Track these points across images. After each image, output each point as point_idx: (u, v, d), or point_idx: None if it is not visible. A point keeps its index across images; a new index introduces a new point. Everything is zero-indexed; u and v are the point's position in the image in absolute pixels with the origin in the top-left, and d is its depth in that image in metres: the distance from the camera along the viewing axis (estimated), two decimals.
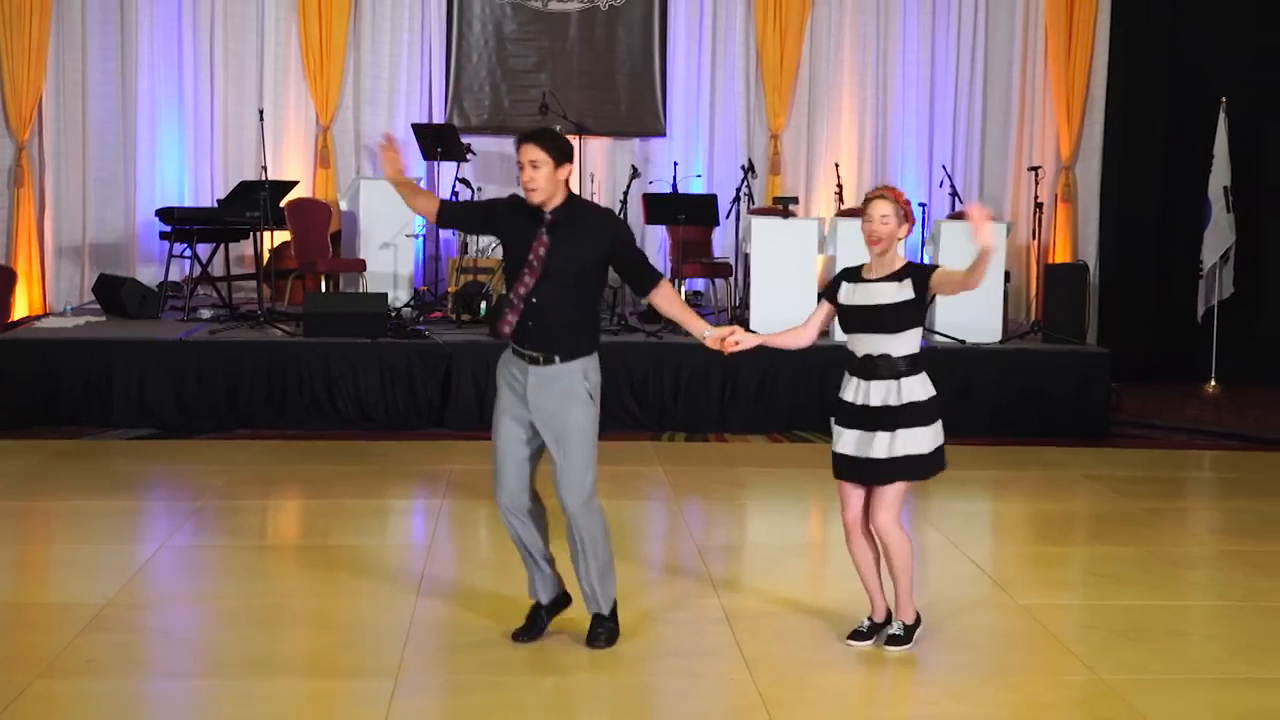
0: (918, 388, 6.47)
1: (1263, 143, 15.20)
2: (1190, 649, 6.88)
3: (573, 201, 6.47)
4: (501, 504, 6.60)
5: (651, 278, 6.59)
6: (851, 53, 15.66)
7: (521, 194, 6.42)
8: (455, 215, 7.11)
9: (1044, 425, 12.10)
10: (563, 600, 6.77)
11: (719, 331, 6.51)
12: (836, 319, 6.60)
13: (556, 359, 6.43)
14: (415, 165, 14.85)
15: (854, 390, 6.48)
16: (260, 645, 6.63)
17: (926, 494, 10.07)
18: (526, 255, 6.35)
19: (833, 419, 6.59)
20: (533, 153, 6.28)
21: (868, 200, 6.54)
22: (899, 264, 6.50)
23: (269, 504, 9.51)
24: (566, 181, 6.38)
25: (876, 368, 6.42)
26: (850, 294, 6.53)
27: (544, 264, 6.33)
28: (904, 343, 6.44)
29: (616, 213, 14.03)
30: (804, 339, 6.69)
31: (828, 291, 6.66)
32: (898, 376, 6.42)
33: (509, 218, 6.52)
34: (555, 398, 6.47)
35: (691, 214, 13.59)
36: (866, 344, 6.45)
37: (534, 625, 6.68)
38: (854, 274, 6.57)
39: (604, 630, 6.59)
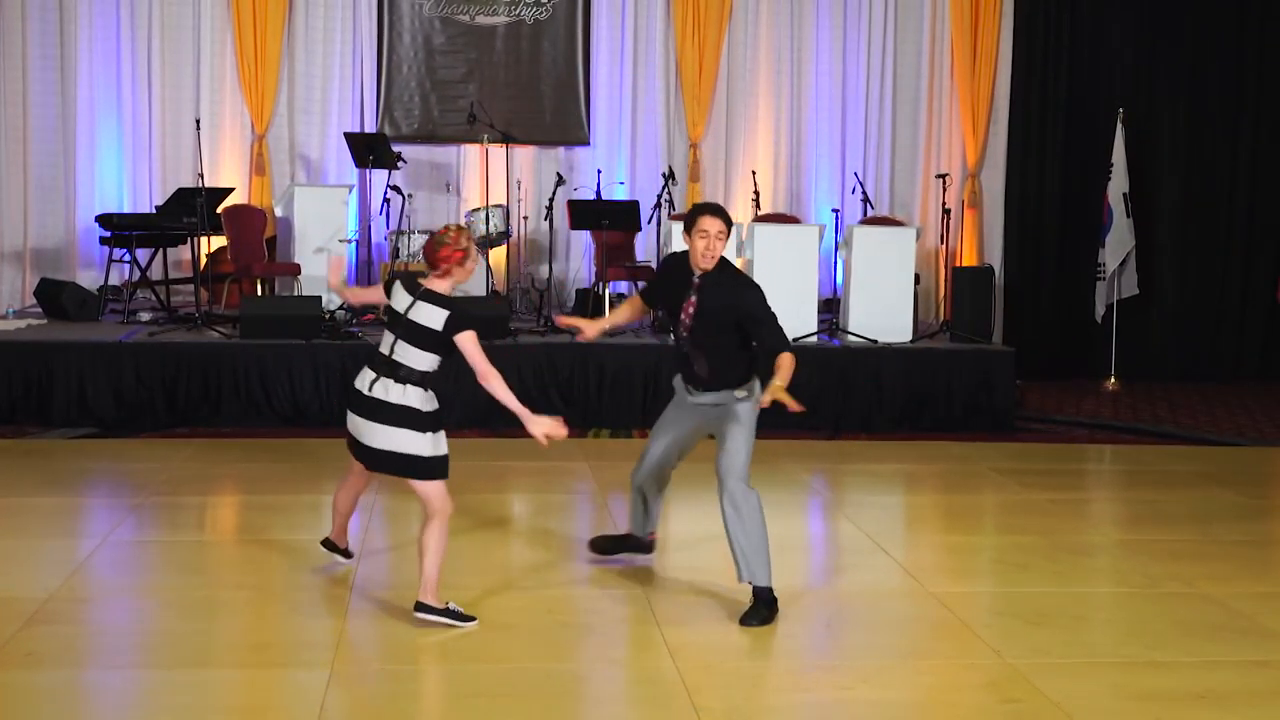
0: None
1: (1157, 152, 15.62)
2: (1092, 633, 7.04)
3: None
4: None
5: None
6: (767, 65, 15.84)
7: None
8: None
9: (952, 421, 12.36)
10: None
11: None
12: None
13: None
14: (348, 172, 15.06)
15: None
16: (199, 637, 6.66)
17: (841, 486, 10.32)
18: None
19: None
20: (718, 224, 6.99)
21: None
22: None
23: (208, 500, 9.48)
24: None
25: None
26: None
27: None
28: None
29: (541, 219, 14.30)
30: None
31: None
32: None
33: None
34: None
35: (615, 220, 13.71)
36: None
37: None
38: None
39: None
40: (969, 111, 15.85)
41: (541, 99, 15.73)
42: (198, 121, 13.63)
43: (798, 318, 12.61)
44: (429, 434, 6.83)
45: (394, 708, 5.88)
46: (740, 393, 7.13)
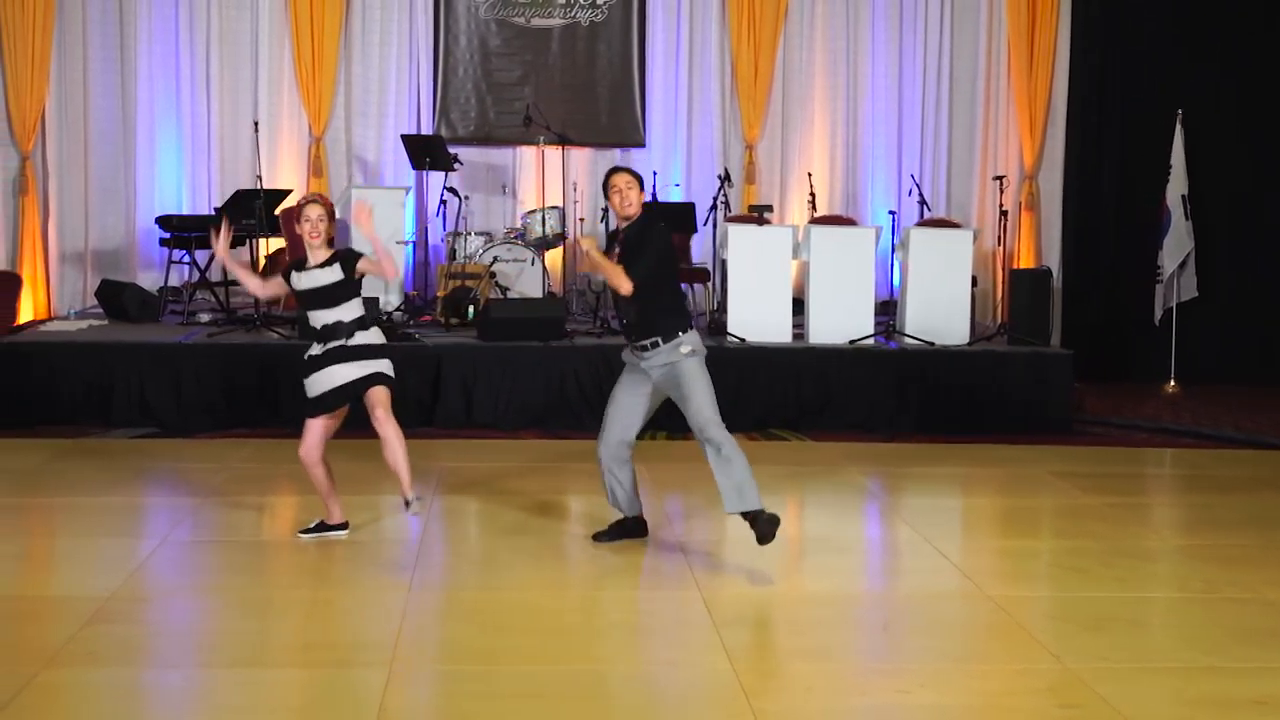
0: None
1: (1217, 153, 15.42)
2: (1151, 639, 7.02)
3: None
4: None
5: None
6: (823, 66, 15.82)
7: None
8: None
9: (1009, 424, 12.23)
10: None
11: None
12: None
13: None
14: (405, 174, 15.11)
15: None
16: (258, 636, 6.72)
17: (898, 490, 10.26)
18: None
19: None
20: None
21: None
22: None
23: (266, 500, 9.52)
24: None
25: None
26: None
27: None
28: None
29: (598, 221, 14.34)
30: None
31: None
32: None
33: None
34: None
35: (670, 222, 13.61)
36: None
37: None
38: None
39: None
40: (1026, 112, 15.78)
41: (597, 101, 15.76)
42: (256, 124, 13.79)
43: (854, 320, 12.65)
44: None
45: (452, 708, 5.90)
46: (685, 348, 7.74)
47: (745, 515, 7.67)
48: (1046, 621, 7.14)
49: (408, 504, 7.93)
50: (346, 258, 8.05)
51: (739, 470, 7.63)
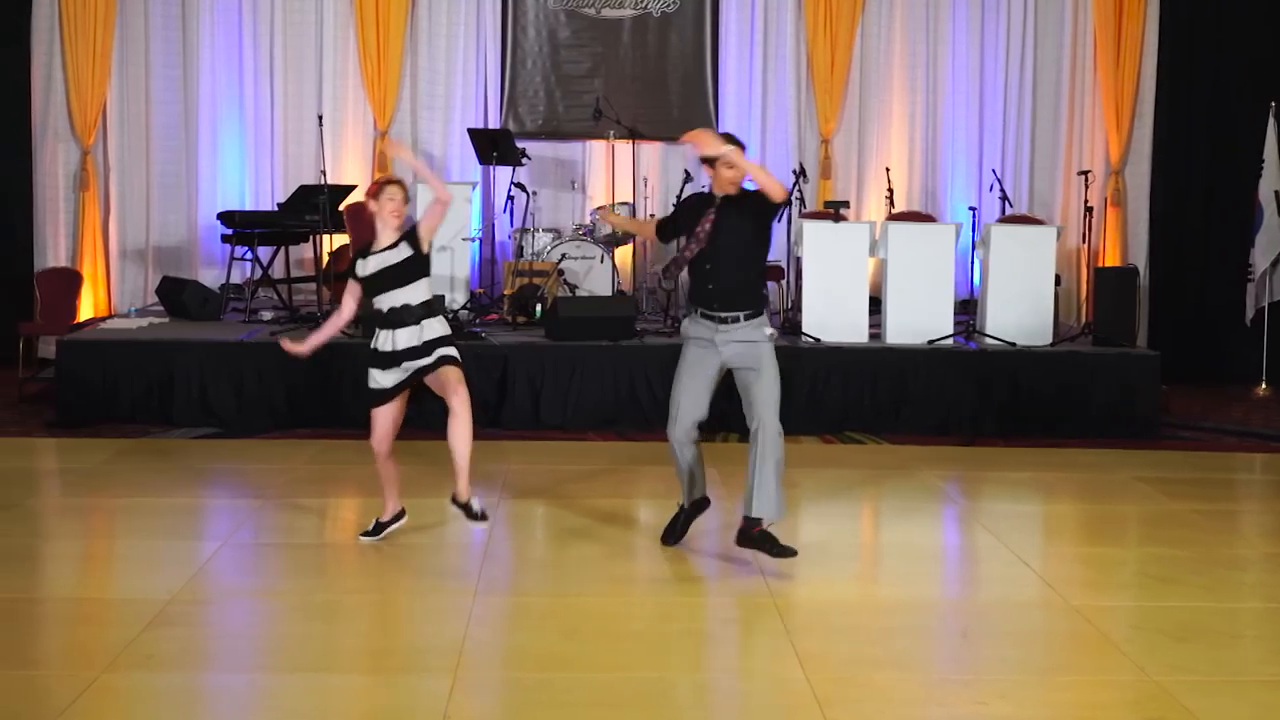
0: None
1: None
2: (1240, 650, 6.89)
3: None
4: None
5: None
6: (901, 58, 15.70)
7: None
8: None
9: (1094, 427, 12.08)
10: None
11: None
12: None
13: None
14: (472, 169, 15.03)
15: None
16: (320, 641, 6.71)
17: (977, 495, 10.24)
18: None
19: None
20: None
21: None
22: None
23: (328, 502, 9.52)
24: None
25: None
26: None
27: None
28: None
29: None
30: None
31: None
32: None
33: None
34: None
35: None
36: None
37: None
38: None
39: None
40: (1112, 105, 15.57)
41: (669, 94, 15.67)
42: (320, 118, 13.74)
43: (933, 319, 12.55)
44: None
45: (518, 716, 5.90)
46: (767, 329, 7.73)
47: (754, 522, 7.70)
48: (1131, 632, 7.02)
49: (472, 514, 7.93)
50: (410, 233, 7.98)
51: (775, 475, 7.68)
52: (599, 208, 7.76)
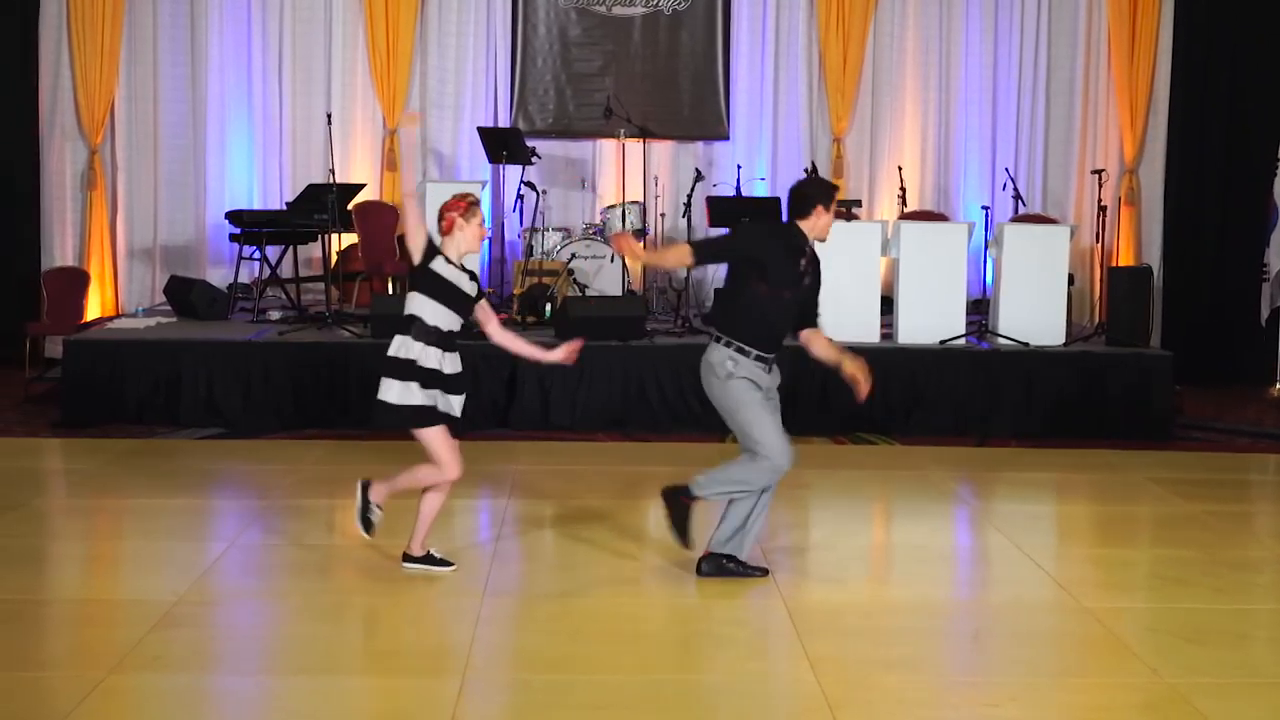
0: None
1: None
2: (1254, 653, 6.87)
3: None
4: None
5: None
6: (914, 56, 15.66)
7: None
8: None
9: (1106, 428, 12.03)
10: None
11: None
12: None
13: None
14: (481, 168, 14.99)
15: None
16: (327, 642, 6.68)
17: (989, 495, 10.23)
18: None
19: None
20: None
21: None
22: None
23: (336, 503, 9.24)
24: None
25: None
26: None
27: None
28: None
29: (680, 216, 14.14)
30: None
31: None
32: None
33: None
34: None
35: (755, 217, 13.46)
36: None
37: None
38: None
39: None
40: (1126, 104, 15.53)
41: (680, 92, 15.62)
42: (329, 116, 13.64)
43: (945, 319, 12.48)
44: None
45: (526, 718, 5.88)
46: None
47: (684, 490, 7.57)
48: (1144, 634, 7.00)
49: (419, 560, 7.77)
50: (478, 285, 7.47)
51: (734, 475, 7.50)
52: (616, 235, 7.49)
